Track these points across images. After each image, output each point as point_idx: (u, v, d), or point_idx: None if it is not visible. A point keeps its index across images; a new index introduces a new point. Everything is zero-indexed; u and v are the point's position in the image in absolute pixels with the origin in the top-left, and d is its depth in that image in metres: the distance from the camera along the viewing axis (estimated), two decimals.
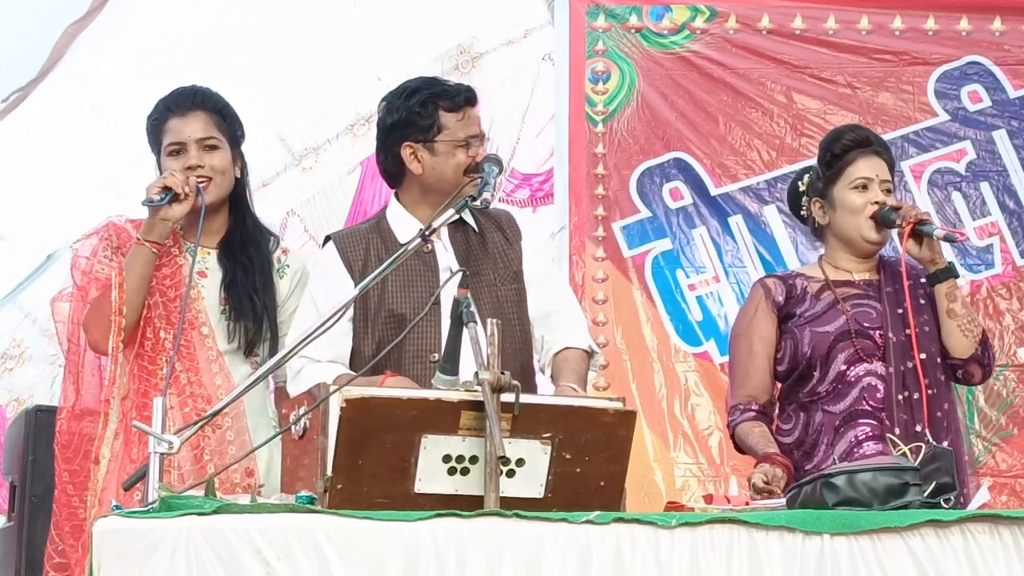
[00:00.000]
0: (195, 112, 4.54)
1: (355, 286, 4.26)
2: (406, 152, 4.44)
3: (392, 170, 4.51)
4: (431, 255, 4.44)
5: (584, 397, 4.22)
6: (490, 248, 4.52)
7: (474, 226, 4.53)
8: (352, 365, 4.38)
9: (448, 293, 4.20)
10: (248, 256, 4.56)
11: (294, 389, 4.32)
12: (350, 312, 4.36)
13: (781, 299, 4.76)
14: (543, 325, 4.52)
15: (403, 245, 4.17)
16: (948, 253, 5.42)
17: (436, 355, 4.23)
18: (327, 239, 4.58)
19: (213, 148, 4.53)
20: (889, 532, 3.45)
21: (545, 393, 4.40)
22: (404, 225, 4.43)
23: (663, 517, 3.42)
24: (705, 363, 6.25)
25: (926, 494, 3.63)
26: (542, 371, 4.56)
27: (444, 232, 4.47)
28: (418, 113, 4.42)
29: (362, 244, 4.47)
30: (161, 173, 4.52)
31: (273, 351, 4.54)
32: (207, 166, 4.50)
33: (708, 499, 3.96)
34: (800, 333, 4.71)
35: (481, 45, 6.46)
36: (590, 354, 4.52)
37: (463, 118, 4.46)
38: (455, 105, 4.45)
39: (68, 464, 4.42)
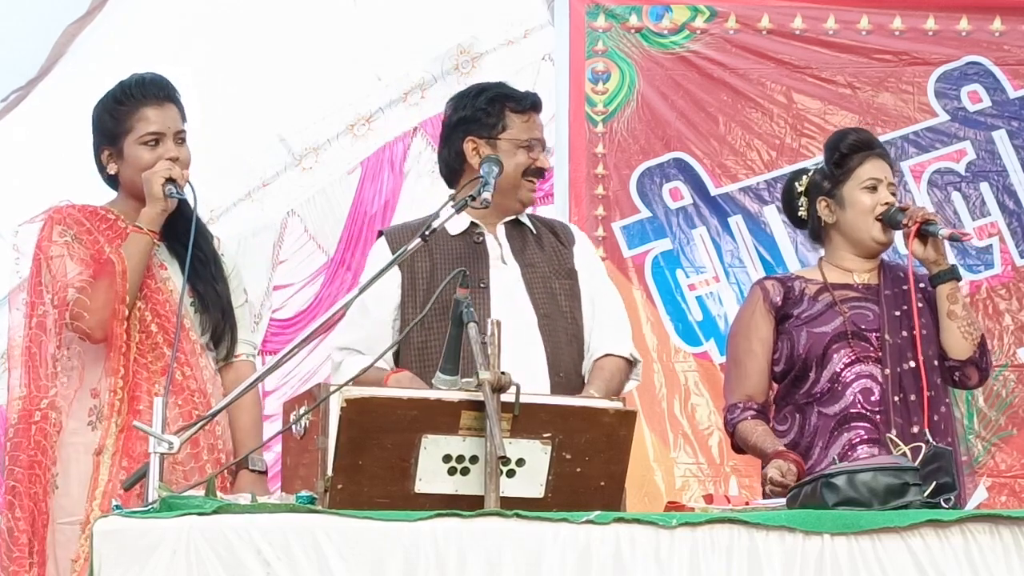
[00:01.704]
0: (168, 104, 4.48)
1: (401, 280, 4.42)
2: (468, 147, 4.51)
3: (453, 165, 4.57)
4: (481, 245, 4.49)
5: (584, 397, 4.22)
6: (545, 246, 4.58)
7: (531, 228, 4.59)
8: (403, 354, 4.43)
9: (498, 279, 4.32)
10: (200, 247, 4.50)
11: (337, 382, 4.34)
12: (397, 301, 4.43)
13: (779, 300, 4.77)
14: (588, 329, 4.54)
15: (453, 238, 4.37)
16: (949, 254, 5.41)
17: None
18: (379, 234, 4.64)
19: (183, 141, 4.48)
20: (889, 532, 3.45)
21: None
22: (455, 220, 4.43)
23: (663, 517, 3.42)
24: (705, 363, 6.25)
25: (926, 494, 3.64)
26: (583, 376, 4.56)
27: (500, 227, 4.54)
28: (484, 110, 4.51)
29: (410, 238, 4.47)
30: (109, 158, 4.48)
31: (232, 341, 4.54)
32: (180, 159, 4.44)
33: (708, 499, 3.96)
34: (797, 333, 4.71)
35: (481, 45, 6.46)
36: (632, 362, 4.54)
37: (528, 121, 4.55)
38: (522, 107, 4.54)
39: (29, 452, 4.32)
